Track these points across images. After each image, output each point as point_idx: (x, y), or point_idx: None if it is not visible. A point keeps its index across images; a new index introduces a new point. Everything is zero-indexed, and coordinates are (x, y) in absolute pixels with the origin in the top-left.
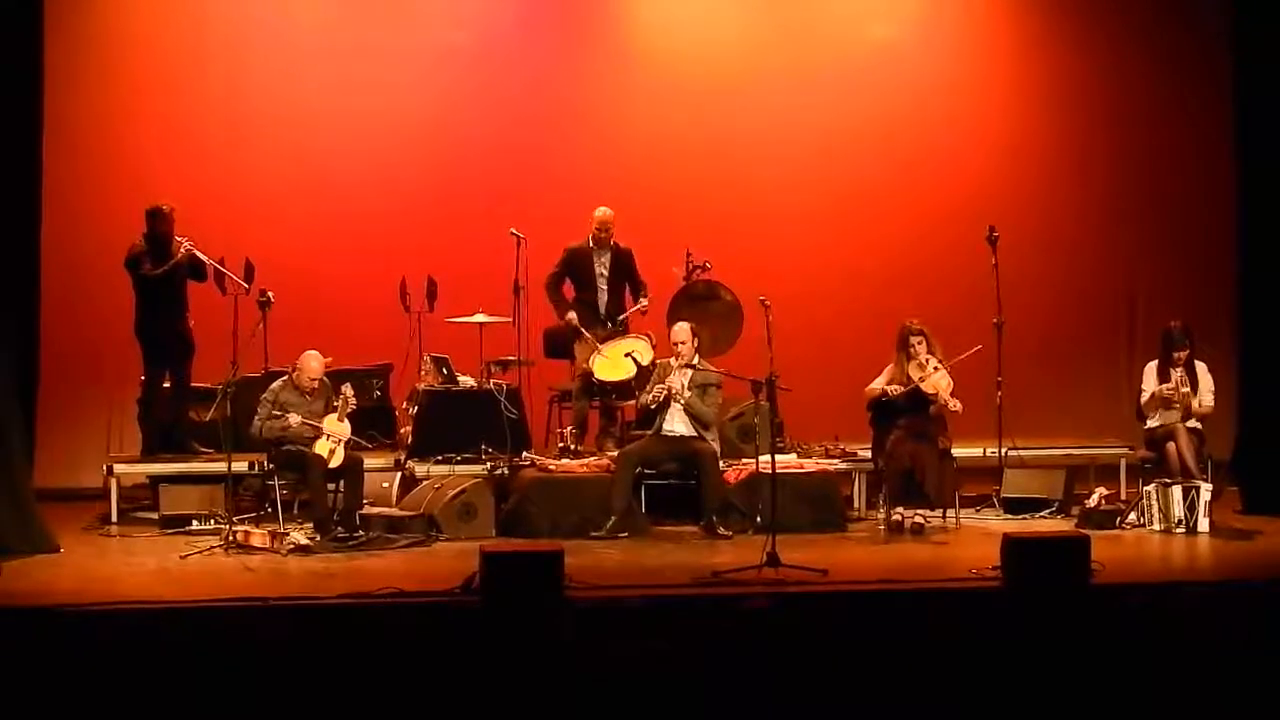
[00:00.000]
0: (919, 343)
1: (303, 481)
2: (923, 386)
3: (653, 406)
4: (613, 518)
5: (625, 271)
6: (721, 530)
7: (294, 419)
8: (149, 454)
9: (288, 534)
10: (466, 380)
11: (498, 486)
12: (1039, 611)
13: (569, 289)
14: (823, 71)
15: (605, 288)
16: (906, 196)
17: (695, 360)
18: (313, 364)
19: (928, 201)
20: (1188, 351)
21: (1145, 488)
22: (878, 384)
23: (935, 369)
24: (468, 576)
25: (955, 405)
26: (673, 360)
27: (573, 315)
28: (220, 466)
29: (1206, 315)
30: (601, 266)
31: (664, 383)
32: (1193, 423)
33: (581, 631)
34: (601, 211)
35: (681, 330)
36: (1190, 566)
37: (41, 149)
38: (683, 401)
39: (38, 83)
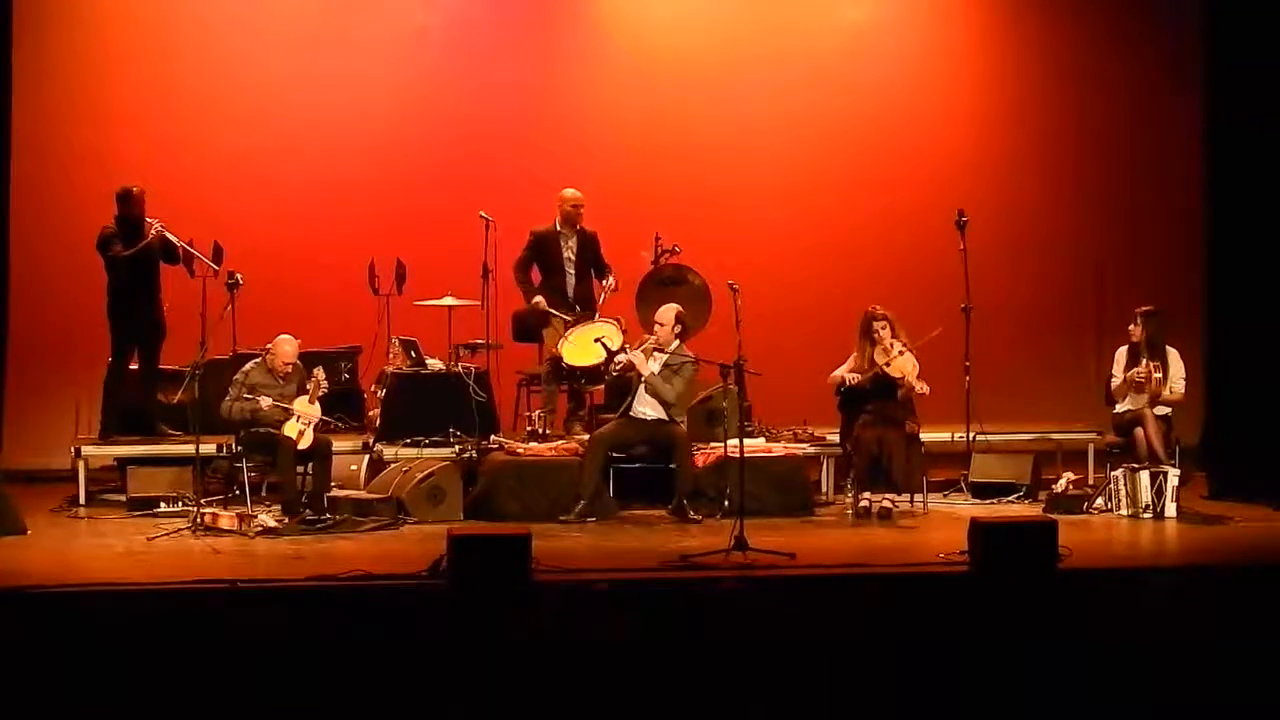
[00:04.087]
0: (883, 328)
1: (271, 463)
2: (888, 371)
3: (615, 371)
4: (581, 501)
5: (591, 255)
6: (692, 514)
7: (265, 402)
8: (106, 434)
9: (256, 516)
10: (435, 363)
11: (466, 470)
12: (1006, 596)
13: (536, 274)
14: (793, 56)
15: (573, 272)
16: (876, 182)
17: (671, 346)
18: (286, 348)
19: (897, 187)
20: (1142, 332)
21: (1113, 473)
22: (839, 372)
23: (900, 353)
24: (435, 559)
25: (922, 387)
26: (647, 337)
27: (540, 299)
28: (188, 449)
29: (1175, 301)
30: (569, 250)
31: (629, 354)
32: (1161, 409)
33: (549, 615)
34: (571, 192)
35: (666, 312)
36: (1157, 551)
37: (9, 131)
38: (645, 374)
39: (5, 64)
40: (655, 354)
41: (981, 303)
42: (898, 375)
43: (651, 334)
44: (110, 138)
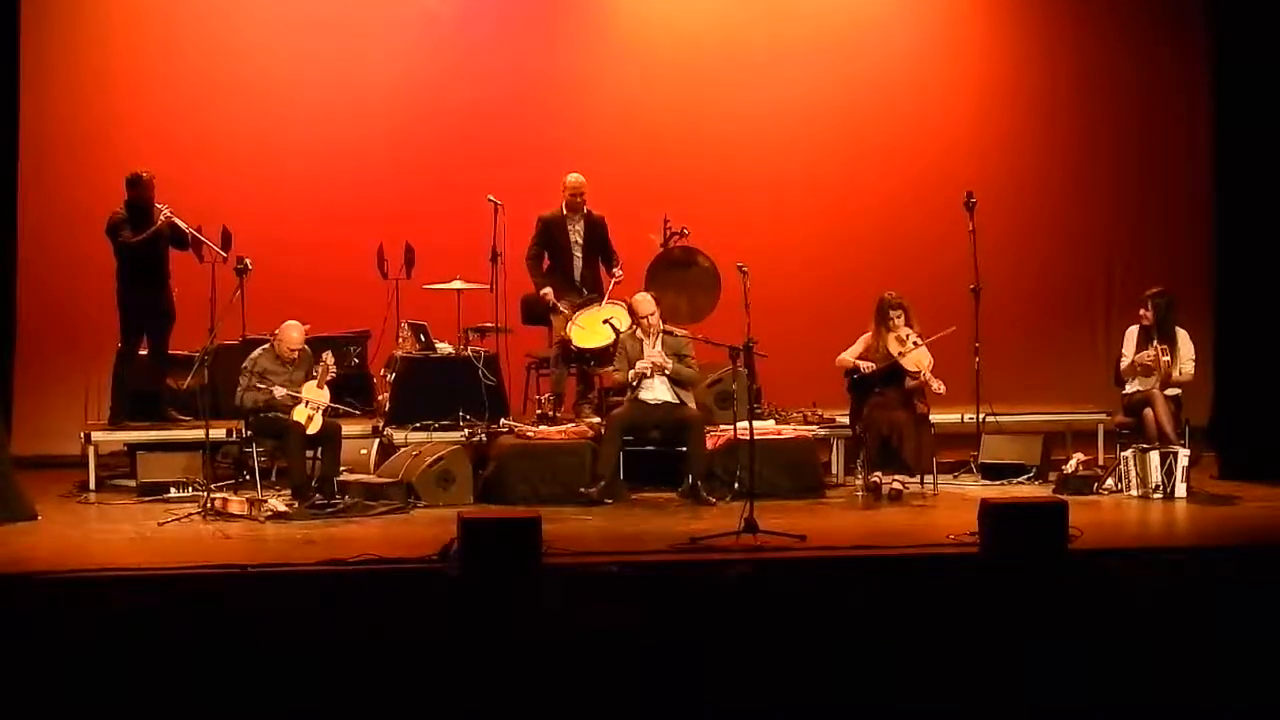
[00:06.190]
0: (898, 316)
1: (281, 449)
2: (903, 362)
3: (634, 384)
4: (602, 481)
5: (598, 239)
6: (705, 496)
7: (279, 391)
8: (116, 420)
9: (266, 501)
10: (444, 347)
11: (476, 454)
12: (1016, 577)
13: (546, 260)
14: (800, 37)
15: (580, 255)
16: (884, 163)
17: (663, 327)
18: (293, 334)
19: (905, 168)
20: (1153, 314)
21: (1123, 453)
22: (849, 355)
23: (915, 344)
24: (445, 544)
25: (938, 386)
26: (638, 331)
27: (548, 291)
28: (198, 434)
29: (1184, 280)
30: (575, 234)
31: (646, 360)
32: (1171, 389)
33: (559, 598)
34: (574, 177)
35: (647, 302)
36: (1167, 532)
37: (17, 118)
38: (669, 371)
39: (13, 50)
40: (657, 337)
41: (990, 284)
42: (913, 368)
43: (640, 327)
44: (118, 124)
